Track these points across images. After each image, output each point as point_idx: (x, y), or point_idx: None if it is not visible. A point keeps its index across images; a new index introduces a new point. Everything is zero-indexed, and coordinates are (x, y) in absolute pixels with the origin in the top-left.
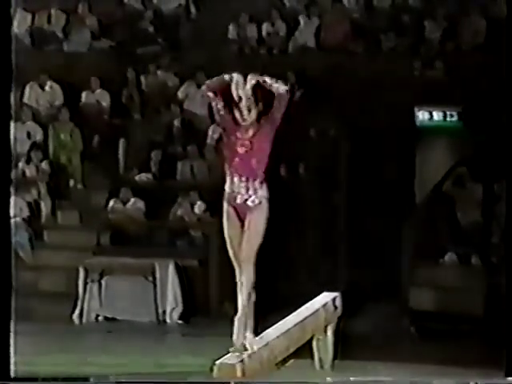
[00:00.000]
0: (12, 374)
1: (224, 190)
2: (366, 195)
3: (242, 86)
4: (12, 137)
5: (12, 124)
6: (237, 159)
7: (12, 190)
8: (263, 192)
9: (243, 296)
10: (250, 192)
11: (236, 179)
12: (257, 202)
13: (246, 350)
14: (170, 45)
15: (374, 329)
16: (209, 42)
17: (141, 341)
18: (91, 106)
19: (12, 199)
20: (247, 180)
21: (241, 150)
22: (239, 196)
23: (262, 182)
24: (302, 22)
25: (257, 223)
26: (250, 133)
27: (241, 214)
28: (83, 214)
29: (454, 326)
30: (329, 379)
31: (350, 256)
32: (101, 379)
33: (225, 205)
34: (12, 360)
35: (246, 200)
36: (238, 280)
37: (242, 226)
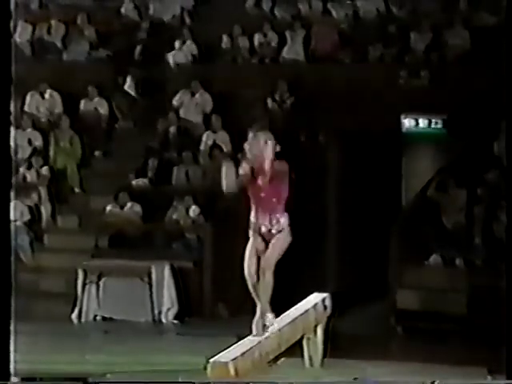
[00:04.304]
0: (12, 372)
1: (249, 219)
2: (355, 199)
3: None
4: (13, 143)
5: (13, 131)
6: (259, 200)
7: (13, 194)
8: (284, 221)
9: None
10: (273, 222)
11: (260, 212)
12: (280, 229)
13: (267, 328)
14: (165, 54)
15: (362, 328)
16: (203, 52)
17: (137, 340)
18: (90, 113)
19: (13, 203)
20: (270, 214)
21: (262, 194)
22: (263, 226)
23: (282, 214)
24: (292, 32)
25: (280, 241)
26: (267, 178)
27: (266, 238)
28: (82, 218)
29: (439, 325)
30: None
31: (340, 258)
32: (98, 377)
33: (251, 232)
34: (12, 358)
35: (270, 229)
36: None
37: (267, 247)
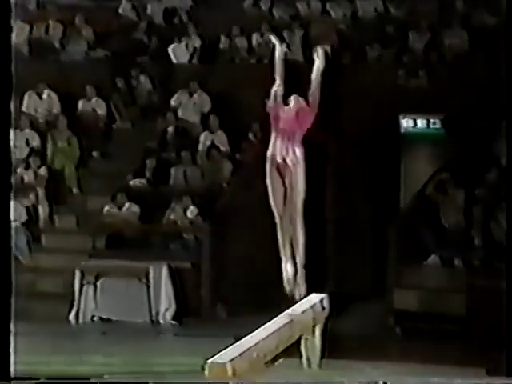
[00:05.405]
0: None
1: (266, 155)
2: (353, 199)
3: None
4: (11, 144)
5: (11, 131)
6: (278, 128)
7: (11, 194)
8: (300, 153)
9: (300, 253)
10: (289, 152)
11: (278, 141)
12: (295, 161)
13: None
14: (163, 54)
15: (360, 329)
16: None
17: (135, 341)
18: (88, 113)
19: (11, 204)
20: (288, 140)
21: (281, 124)
22: (279, 156)
23: (299, 146)
24: (290, 32)
25: (297, 182)
26: (292, 112)
27: (282, 173)
28: (80, 219)
29: (437, 325)
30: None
31: (338, 258)
32: (96, 378)
33: (268, 166)
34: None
35: (285, 160)
36: (291, 242)
37: (284, 183)
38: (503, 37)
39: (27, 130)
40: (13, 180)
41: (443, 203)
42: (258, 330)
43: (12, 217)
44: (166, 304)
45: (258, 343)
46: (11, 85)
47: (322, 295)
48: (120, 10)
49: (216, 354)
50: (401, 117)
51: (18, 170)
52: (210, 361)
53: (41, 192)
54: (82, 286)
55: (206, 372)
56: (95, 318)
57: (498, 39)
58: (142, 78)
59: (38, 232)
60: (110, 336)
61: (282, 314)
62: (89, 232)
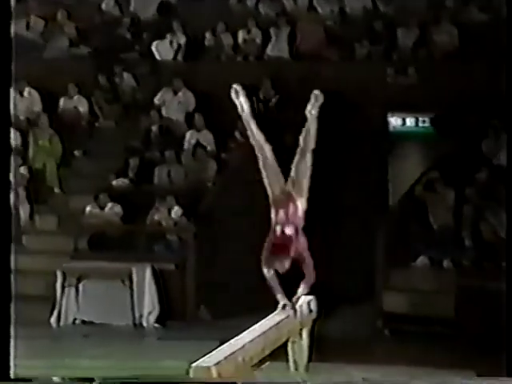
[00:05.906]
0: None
1: None
2: (340, 199)
3: None
4: None
5: None
6: None
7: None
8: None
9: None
10: None
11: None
12: None
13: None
14: (147, 51)
15: (348, 331)
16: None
17: (118, 344)
18: (69, 111)
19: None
20: None
21: None
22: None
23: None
24: (276, 29)
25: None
26: None
27: None
28: (61, 219)
29: (426, 327)
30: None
31: (325, 260)
32: (76, 382)
33: None
34: None
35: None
36: None
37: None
38: (499, 35)
39: None
40: None
41: (432, 203)
42: (243, 333)
43: None
44: (149, 307)
45: (243, 346)
46: (10, 85)
47: (310, 297)
48: (103, 6)
49: (201, 358)
50: (389, 115)
51: None
52: (194, 364)
53: (21, 192)
54: (63, 288)
55: (191, 375)
56: (77, 321)
57: (488, 36)
58: (126, 75)
59: (18, 233)
60: (92, 339)
61: (268, 317)
62: (70, 233)
